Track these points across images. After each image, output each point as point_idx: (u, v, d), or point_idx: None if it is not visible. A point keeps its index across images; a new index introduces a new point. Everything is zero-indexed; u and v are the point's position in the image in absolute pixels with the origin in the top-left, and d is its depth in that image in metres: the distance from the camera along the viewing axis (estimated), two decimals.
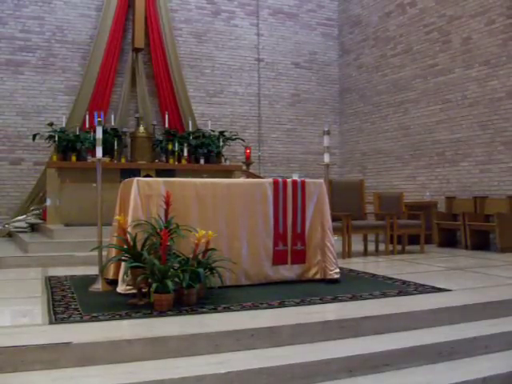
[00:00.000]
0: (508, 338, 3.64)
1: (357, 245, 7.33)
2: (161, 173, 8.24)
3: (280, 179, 4.97)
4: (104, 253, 4.75)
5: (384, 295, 4.28)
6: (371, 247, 7.58)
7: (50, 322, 3.40)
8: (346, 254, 6.85)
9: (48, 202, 8.02)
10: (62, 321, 3.43)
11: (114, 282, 4.45)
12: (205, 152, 9.34)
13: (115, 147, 8.84)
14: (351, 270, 5.66)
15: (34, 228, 8.51)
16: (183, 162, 9.07)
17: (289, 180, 4.98)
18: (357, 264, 6.26)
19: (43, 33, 9.46)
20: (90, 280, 4.78)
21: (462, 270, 5.88)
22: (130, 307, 3.81)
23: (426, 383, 3.11)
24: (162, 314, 3.63)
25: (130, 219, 4.27)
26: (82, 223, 7.10)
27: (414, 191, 9.54)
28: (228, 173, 9.02)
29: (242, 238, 4.71)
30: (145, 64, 9.99)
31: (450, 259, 6.88)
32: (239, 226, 4.71)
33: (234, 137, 9.85)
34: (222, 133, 9.70)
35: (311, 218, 4.99)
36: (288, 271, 4.89)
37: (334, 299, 4.13)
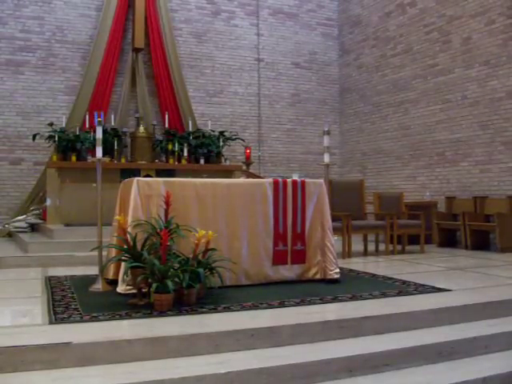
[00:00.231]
0: (508, 338, 3.64)
1: (357, 245, 7.33)
2: (161, 173, 8.25)
3: (280, 179, 4.97)
4: (104, 253, 4.75)
5: (384, 295, 4.28)
6: (371, 247, 7.58)
7: (50, 322, 3.41)
8: (346, 253, 6.85)
9: (48, 202, 8.02)
10: (62, 321, 3.43)
11: (114, 282, 4.45)
12: (205, 152, 9.34)
13: (115, 147, 8.84)
14: (351, 270, 5.66)
15: (34, 228, 8.51)
16: (183, 162, 9.07)
17: (289, 180, 4.98)
18: (357, 264, 6.26)
19: (43, 33, 9.45)
20: (89, 280, 4.78)
21: (462, 270, 5.88)
22: (130, 307, 3.81)
23: (426, 383, 3.11)
24: (162, 313, 3.63)
25: (130, 219, 4.27)
26: (82, 223, 7.10)
27: (414, 191, 9.54)
28: (228, 173, 9.02)
29: (242, 237, 4.71)
30: (145, 64, 9.99)
31: (449, 259, 6.88)
32: (239, 225, 4.71)
33: (234, 137, 9.85)
34: (221, 133, 9.71)
35: (311, 218, 4.99)
36: (288, 271, 4.89)
37: (334, 299, 4.13)
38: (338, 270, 4.93)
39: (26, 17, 9.36)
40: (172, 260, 3.92)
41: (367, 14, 10.94)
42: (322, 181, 5.17)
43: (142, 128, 9.23)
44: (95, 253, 4.71)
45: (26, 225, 8.46)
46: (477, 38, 8.49)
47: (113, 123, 9.19)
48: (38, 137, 8.69)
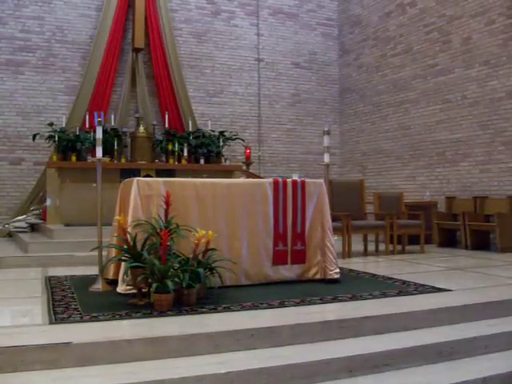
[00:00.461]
0: (508, 338, 3.64)
1: (357, 245, 7.33)
2: (161, 173, 8.25)
3: (280, 179, 4.97)
4: (104, 253, 4.75)
5: (384, 295, 4.28)
6: (371, 247, 7.58)
7: (50, 322, 3.41)
8: (346, 253, 6.85)
9: (48, 202, 8.02)
10: (62, 321, 3.43)
11: (114, 282, 4.45)
12: (205, 152, 9.34)
13: (115, 147, 8.84)
14: (351, 270, 5.66)
15: (33, 228, 8.51)
16: (183, 162, 9.07)
17: (289, 180, 4.98)
18: (357, 264, 6.26)
19: (43, 33, 9.46)
20: (89, 280, 4.78)
21: (462, 270, 5.88)
22: (130, 307, 3.81)
23: (426, 383, 3.11)
24: (162, 313, 3.63)
25: (130, 219, 4.27)
26: (82, 223, 7.10)
27: (414, 191, 9.54)
28: (228, 173, 9.02)
29: (242, 237, 4.71)
30: (145, 64, 9.99)
31: (449, 259, 6.88)
32: (239, 225, 4.71)
33: (234, 137, 9.85)
34: (221, 133, 9.70)
35: (311, 218, 4.99)
36: (288, 271, 4.89)
37: (334, 299, 4.13)
38: (338, 270, 4.93)
39: (26, 17, 9.36)
40: (172, 260, 3.92)
41: (367, 14, 10.94)
42: (321, 181, 5.17)
43: (141, 128, 9.23)
44: (95, 253, 4.71)
45: (25, 225, 8.46)
46: (477, 38, 8.50)
47: (113, 123, 9.19)
48: (38, 137, 8.69)
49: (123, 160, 8.89)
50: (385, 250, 7.25)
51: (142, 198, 4.40)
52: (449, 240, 8.35)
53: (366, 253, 7.33)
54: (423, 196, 9.22)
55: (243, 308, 3.82)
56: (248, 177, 8.90)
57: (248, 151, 9.84)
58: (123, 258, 4.15)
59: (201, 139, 9.45)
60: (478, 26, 8.47)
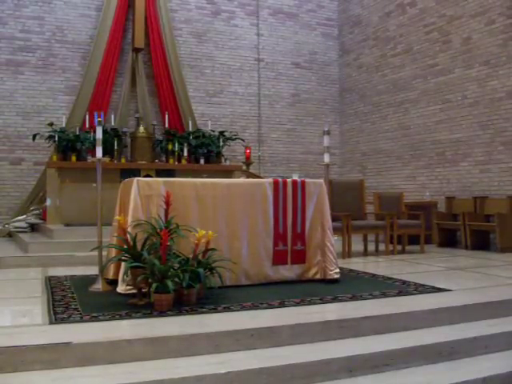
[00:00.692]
0: (508, 338, 3.64)
1: (357, 245, 7.33)
2: (161, 173, 8.25)
3: (280, 179, 4.97)
4: (104, 253, 4.75)
5: (384, 295, 4.28)
6: (371, 247, 7.58)
7: (50, 322, 3.41)
8: (346, 254, 6.85)
9: (48, 202, 8.02)
10: (62, 321, 3.43)
11: (114, 282, 4.45)
12: (205, 152, 9.34)
13: (115, 147, 8.84)
14: (351, 270, 5.66)
15: (34, 228, 8.51)
16: (183, 162, 9.07)
17: (289, 180, 4.98)
18: (357, 264, 6.26)
19: (43, 33, 9.45)
20: (89, 280, 4.78)
21: (462, 270, 5.88)
22: (130, 307, 3.81)
23: (426, 383, 3.11)
24: (162, 313, 3.63)
25: (130, 219, 4.27)
26: (82, 223, 7.10)
27: (414, 191, 9.54)
28: (228, 173, 9.02)
29: (242, 237, 4.71)
30: (145, 64, 9.99)
31: (449, 259, 6.87)
32: (239, 225, 4.71)
33: (234, 137, 9.85)
34: (222, 133, 9.70)
35: (311, 218, 4.99)
36: (288, 271, 4.89)
37: (334, 299, 4.13)
38: (337, 270, 4.93)
39: (26, 17, 9.36)
40: (172, 260, 3.92)
41: (367, 13, 10.94)
42: (321, 181, 5.17)
43: (141, 128, 9.23)
44: (95, 253, 4.71)
45: (25, 225, 8.46)
46: (477, 38, 8.49)
47: (113, 123, 9.19)
48: (38, 137, 8.69)
49: (123, 160, 8.89)
50: (385, 249, 7.25)
51: (141, 198, 4.40)
52: (449, 240, 8.35)
53: (366, 253, 7.33)
54: (423, 196, 9.22)
55: (243, 308, 3.82)
56: (248, 177, 8.90)
57: (248, 151, 9.84)
58: (123, 258, 4.15)
59: (201, 139, 9.45)
60: (478, 26, 8.47)
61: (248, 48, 10.90)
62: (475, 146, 8.49)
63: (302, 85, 11.34)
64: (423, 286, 4.66)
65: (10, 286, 5.04)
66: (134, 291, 4.05)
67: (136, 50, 9.80)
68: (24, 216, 8.64)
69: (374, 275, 5.34)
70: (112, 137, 8.88)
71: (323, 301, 4.08)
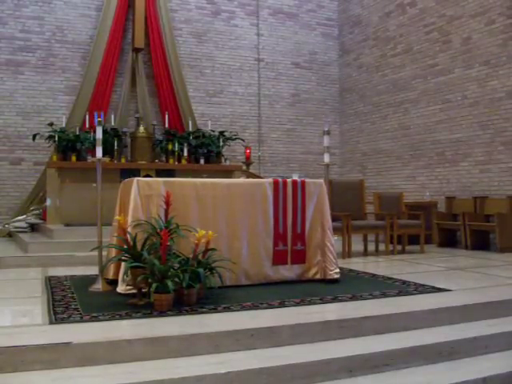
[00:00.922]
0: (508, 338, 3.64)
1: (357, 245, 7.33)
2: (161, 173, 8.25)
3: (280, 179, 4.97)
4: (104, 253, 4.75)
5: (384, 295, 4.28)
6: (371, 247, 7.58)
7: (50, 322, 3.41)
8: (346, 254, 6.85)
9: (48, 202, 8.02)
10: (62, 321, 3.43)
11: (114, 282, 4.45)
12: (205, 152, 9.34)
13: (115, 147, 8.84)
14: (351, 270, 5.66)
15: (34, 228, 8.51)
16: (183, 162, 9.07)
17: (289, 180, 4.98)
18: (357, 264, 6.26)
19: (43, 33, 9.45)
20: (89, 280, 4.78)
21: (462, 270, 5.88)
22: (130, 307, 3.81)
23: (426, 383, 3.11)
24: (162, 313, 3.63)
25: (130, 219, 4.27)
26: (82, 223, 7.10)
27: (414, 191, 9.54)
28: (228, 173, 9.02)
29: (242, 237, 4.71)
30: (145, 64, 9.99)
31: (449, 259, 6.88)
32: (239, 225, 4.71)
33: (234, 137, 9.85)
34: (221, 133, 9.70)
35: (311, 218, 4.99)
36: (288, 271, 4.89)
37: (334, 299, 4.13)
38: (337, 270, 4.93)
39: (26, 17, 9.36)
40: (172, 260, 3.92)
41: (367, 14, 10.94)
42: (321, 181, 5.17)
43: (141, 128, 9.23)
44: (95, 253, 4.71)
45: (25, 225, 8.45)
46: (477, 38, 8.49)
47: (113, 123, 9.18)
48: (38, 137, 8.69)
49: (123, 160, 8.88)
50: (385, 249, 7.25)
51: (142, 197, 4.40)
52: (449, 240, 8.35)
53: (366, 253, 7.33)
54: (423, 196, 9.22)
55: (243, 308, 3.82)
56: (248, 177, 8.91)
57: (248, 151, 9.84)
58: (123, 258, 4.15)
59: (201, 139, 9.45)
60: (478, 26, 8.47)
61: (248, 48, 10.90)
62: (475, 146, 8.49)
63: (302, 85, 11.34)
64: (423, 285, 4.66)
65: (10, 286, 5.04)
66: (134, 291, 4.05)
67: (136, 50, 9.80)
68: (24, 216, 8.64)
69: (374, 275, 5.34)
70: (112, 137, 8.88)
71: (323, 301, 4.08)
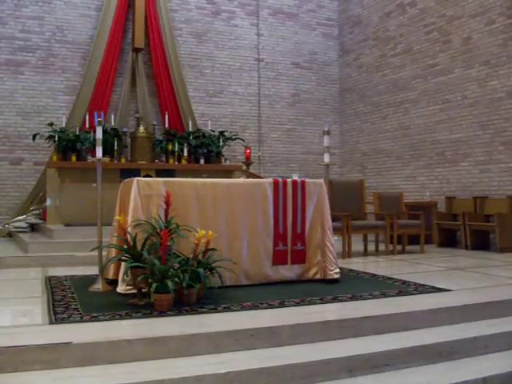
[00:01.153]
0: (508, 338, 3.64)
1: (357, 245, 7.33)
2: (161, 173, 8.24)
3: (280, 179, 4.97)
4: (104, 253, 4.75)
5: (384, 295, 4.28)
6: (371, 247, 7.58)
7: (50, 322, 3.41)
8: (346, 254, 6.85)
9: (48, 202, 8.02)
10: (62, 321, 3.43)
11: (114, 282, 4.45)
12: (205, 152, 9.34)
13: (115, 147, 8.84)
14: (351, 270, 5.66)
15: (34, 228, 8.51)
16: (183, 161, 9.07)
17: (289, 180, 4.98)
18: (357, 264, 6.26)
19: (43, 33, 9.45)
20: (90, 280, 4.78)
21: (462, 270, 5.88)
22: (130, 307, 3.81)
23: (426, 383, 3.11)
24: (162, 313, 3.63)
25: (130, 219, 4.27)
26: (82, 223, 7.10)
27: (414, 191, 9.54)
28: (228, 173, 9.02)
29: (242, 237, 4.71)
30: (145, 64, 9.99)
31: (449, 259, 6.88)
32: (239, 225, 4.71)
33: (234, 137, 9.85)
34: (222, 133, 9.70)
35: (311, 218, 4.99)
36: (288, 271, 4.89)
37: (334, 299, 4.13)
38: (337, 270, 4.93)
39: (26, 17, 9.36)
40: (172, 260, 3.92)
41: (367, 13, 10.94)
42: (321, 181, 5.17)
43: (141, 128, 9.23)
44: (95, 253, 4.71)
45: (25, 225, 8.45)
46: (477, 38, 8.49)
47: (113, 123, 9.18)
48: (38, 137, 8.68)
49: (123, 160, 8.88)
50: (385, 250, 7.25)
51: (142, 197, 4.40)
52: (449, 240, 8.35)
53: (366, 253, 7.33)
54: (423, 196, 9.22)
55: (243, 308, 3.82)
56: (248, 177, 8.91)
57: (248, 151, 9.84)
58: (123, 258, 4.15)
59: (201, 139, 9.45)
60: (478, 26, 8.47)
61: (248, 48, 10.90)
62: (475, 146, 8.49)
63: (301, 85, 11.34)
64: (423, 286, 4.66)
65: (10, 286, 5.04)
66: (134, 291, 4.05)
67: (136, 50, 9.80)
68: (24, 216, 8.64)
69: (374, 275, 5.34)
70: (112, 137, 8.88)
71: (323, 301, 4.08)
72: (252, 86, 10.92)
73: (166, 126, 9.56)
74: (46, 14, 9.48)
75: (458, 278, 5.31)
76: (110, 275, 4.60)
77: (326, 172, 5.52)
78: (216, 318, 3.56)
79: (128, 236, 4.10)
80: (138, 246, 4.06)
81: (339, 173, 11.48)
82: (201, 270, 3.89)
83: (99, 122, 4.71)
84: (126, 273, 4.00)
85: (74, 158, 8.44)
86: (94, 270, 4.89)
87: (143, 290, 3.97)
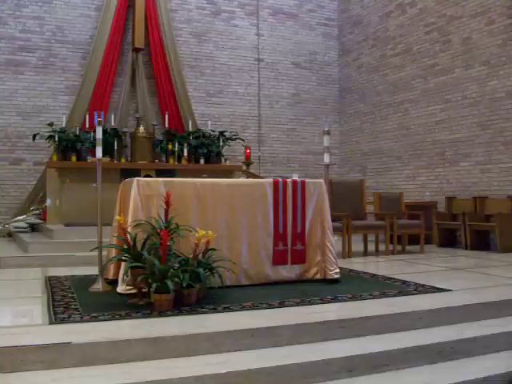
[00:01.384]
0: (508, 338, 3.64)
1: (357, 245, 7.33)
2: (161, 173, 8.24)
3: (280, 179, 4.97)
4: (104, 253, 4.75)
5: (384, 295, 4.28)
6: (371, 247, 7.58)
7: (50, 322, 3.41)
8: (346, 253, 6.85)
9: (48, 202, 8.02)
10: (62, 321, 3.43)
11: (114, 282, 4.46)
12: (205, 152, 9.34)
13: (115, 147, 8.84)
14: (351, 270, 5.66)
15: (34, 228, 8.50)
16: (183, 161, 9.07)
17: (289, 180, 4.98)
18: (357, 264, 6.26)
19: (43, 33, 9.45)
20: (89, 280, 4.78)
21: (462, 270, 5.88)
22: (130, 307, 3.81)
23: (426, 383, 3.11)
24: (161, 314, 3.63)
25: (130, 219, 4.27)
26: (82, 223, 7.09)
27: (414, 191, 9.54)
28: (228, 173, 9.01)
29: (242, 238, 4.71)
30: (145, 64, 9.98)
31: (449, 259, 6.88)
32: (239, 226, 4.71)
33: (234, 137, 9.85)
34: (222, 133, 9.71)
35: (311, 218, 4.99)
36: (288, 271, 4.89)
37: (334, 299, 4.13)
38: (337, 270, 4.93)
39: (26, 17, 9.36)
40: (172, 260, 3.92)
41: (367, 14, 10.94)
42: (321, 181, 5.16)
43: (141, 128, 9.23)
44: (95, 253, 4.70)
45: (25, 225, 8.45)
46: (477, 38, 8.49)
47: (113, 123, 9.18)
48: (38, 137, 8.69)
49: (123, 160, 8.89)
50: (385, 250, 7.25)
51: (142, 197, 4.40)
52: (449, 240, 8.35)
53: (366, 253, 7.32)
54: (423, 196, 9.22)
55: (243, 308, 3.82)
56: (248, 177, 8.91)
57: (248, 151, 9.83)
58: (123, 257, 4.15)
59: (201, 139, 9.45)
60: (478, 26, 8.47)
61: (248, 48, 10.90)
62: (475, 146, 8.49)
63: (301, 85, 11.34)
64: (423, 286, 4.66)
65: (10, 286, 5.04)
66: (134, 291, 4.05)
67: (136, 50, 9.80)
68: (24, 216, 8.64)
69: (374, 275, 5.34)
70: (112, 137, 8.88)
71: (323, 301, 4.08)
72: (252, 85, 10.92)
73: (166, 126, 9.56)
74: (46, 14, 9.49)
75: (457, 278, 5.31)
76: (110, 275, 4.61)
77: (326, 172, 5.52)
78: (216, 318, 3.56)
79: (128, 236, 4.10)
80: (138, 246, 4.06)
81: (339, 173, 11.48)
82: (201, 270, 3.89)
83: (99, 122, 4.71)
84: (126, 273, 4.00)
85: (74, 158, 8.45)
86: (94, 270, 4.88)
87: (143, 290, 3.97)
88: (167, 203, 4.27)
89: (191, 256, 4.06)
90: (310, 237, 4.98)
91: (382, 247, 7.49)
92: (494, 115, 8.20)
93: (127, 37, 9.88)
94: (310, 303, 4.01)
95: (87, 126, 8.83)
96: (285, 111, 11.17)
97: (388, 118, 10.34)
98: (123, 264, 4.18)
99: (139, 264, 3.91)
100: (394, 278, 5.08)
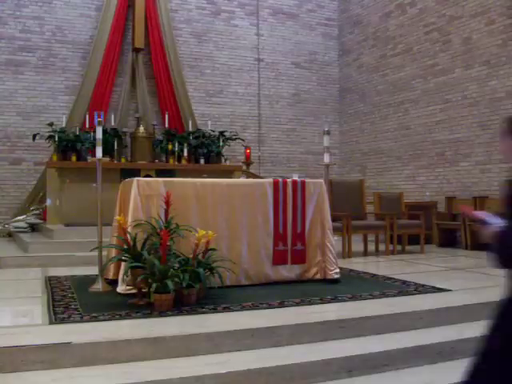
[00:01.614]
0: None
1: (357, 245, 7.33)
2: (161, 173, 8.24)
3: (280, 179, 4.97)
4: (104, 253, 4.75)
5: (384, 295, 4.28)
6: (371, 247, 7.58)
7: (50, 322, 3.41)
8: (346, 254, 6.84)
9: (48, 202, 8.02)
10: (62, 321, 3.43)
11: (114, 282, 4.46)
12: (205, 152, 9.34)
13: (115, 147, 8.84)
14: (351, 270, 5.66)
15: (34, 228, 8.50)
16: (183, 161, 9.07)
17: (289, 180, 4.98)
18: (357, 264, 6.26)
19: (43, 33, 9.45)
20: (89, 280, 4.78)
21: (462, 270, 5.88)
22: (130, 307, 3.81)
23: (426, 383, 3.11)
24: (161, 314, 3.63)
25: (130, 219, 4.27)
26: (82, 223, 7.09)
27: (414, 191, 9.54)
28: (228, 173, 9.01)
29: (242, 237, 4.71)
30: (145, 64, 9.98)
31: (449, 259, 6.88)
32: (239, 225, 4.71)
33: (234, 137, 9.85)
34: (222, 133, 9.70)
35: (311, 218, 4.99)
36: (288, 271, 4.89)
37: (334, 299, 4.13)
38: (337, 270, 4.93)
39: (26, 17, 9.35)
40: (172, 260, 3.92)
41: (367, 13, 10.93)
42: (321, 181, 5.17)
43: (141, 128, 9.23)
44: (95, 253, 4.71)
45: (25, 225, 8.45)
46: (477, 38, 8.49)
47: (113, 123, 9.18)
48: (38, 137, 8.68)
49: (123, 160, 8.89)
50: (385, 250, 7.25)
51: (142, 197, 4.40)
52: (449, 240, 8.35)
53: (366, 253, 7.32)
54: (423, 196, 9.22)
55: (243, 308, 3.82)
56: (248, 177, 8.91)
57: (248, 151, 9.83)
58: (123, 258, 4.15)
59: (201, 139, 9.45)
60: (478, 26, 8.47)
61: (248, 48, 10.90)
62: (475, 146, 8.49)
63: (301, 85, 11.34)
64: (423, 286, 4.67)
65: (10, 286, 5.04)
66: (134, 291, 4.05)
67: (136, 50, 9.80)
68: (24, 216, 8.64)
69: (374, 275, 5.34)
70: (112, 137, 8.88)
71: (323, 301, 4.08)
72: (252, 85, 10.92)
73: (166, 126, 9.56)
74: (46, 14, 9.48)
75: (457, 278, 5.31)
76: (110, 275, 4.61)
77: (326, 172, 5.52)
78: (216, 318, 3.56)
79: (128, 236, 4.10)
80: (138, 246, 4.06)
81: (339, 173, 11.48)
82: (201, 270, 3.89)
83: (99, 122, 4.72)
84: (126, 273, 4.00)
85: (74, 158, 8.44)
86: (93, 270, 4.89)
87: (143, 290, 3.97)
88: (167, 203, 4.27)
89: (191, 256, 4.06)
90: (310, 237, 4.98)
91: (382, 247, 7.49)
92: (494, 115, 8.20)
93: (127, 37, 9.88)
94: (310, 303, 4.01)
95: (87, 126, 8.82)
96: (285, 111, 11.17)
97: (388, 118, 10.34)
98: (123, 264, 4.18)
99: (139, 264, 3.91)
100: (394, 278, 5.08)
